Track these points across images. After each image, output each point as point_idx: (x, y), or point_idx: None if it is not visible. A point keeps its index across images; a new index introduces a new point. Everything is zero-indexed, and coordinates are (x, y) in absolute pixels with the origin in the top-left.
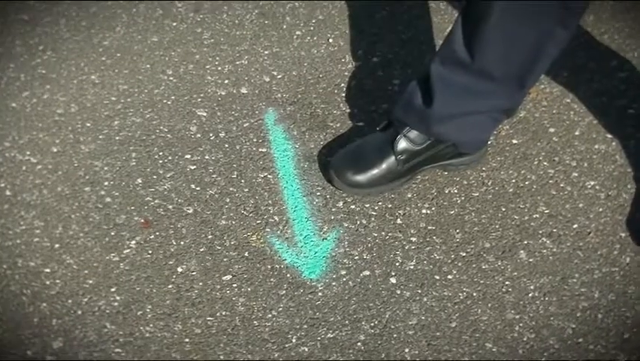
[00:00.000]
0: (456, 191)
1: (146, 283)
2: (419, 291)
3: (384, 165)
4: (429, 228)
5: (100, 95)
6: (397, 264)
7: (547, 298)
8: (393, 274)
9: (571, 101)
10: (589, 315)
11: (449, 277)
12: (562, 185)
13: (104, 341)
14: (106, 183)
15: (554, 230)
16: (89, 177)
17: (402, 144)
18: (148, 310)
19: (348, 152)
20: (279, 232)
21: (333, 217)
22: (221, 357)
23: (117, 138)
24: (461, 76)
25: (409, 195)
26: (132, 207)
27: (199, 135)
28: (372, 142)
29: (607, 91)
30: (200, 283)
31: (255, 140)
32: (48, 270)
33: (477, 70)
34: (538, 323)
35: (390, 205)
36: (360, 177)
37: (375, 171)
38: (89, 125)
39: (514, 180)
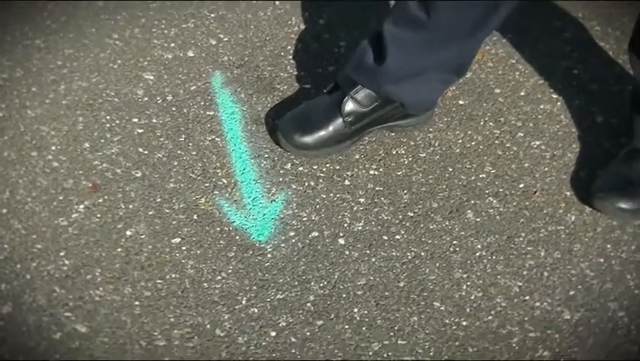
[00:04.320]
0: (403, 152)
1: (94, 247)
2: (367, 251)
3: (331, 127)
4: (377, 189)
5: (45, 59)
6: (346, 225)
7: (494, 257)
8: (341, 235)
9: (516, 62)
10: (535, 273)
11: (397, 237)
12: (508, 145)
13: (53, 306)
14: (53, 148)
15: (501, 190)
16: (35, 141)
17: (349, 105)
18: (97, 273)
19: (295, 114)
20: (227, 194)
21: (281, 179)
22: (171, 320)
23: (64, 102)
24: (415, 33)
25: (357, 157)
26: (80, 172)
27: (146, 99)
28: (320, 104)
29: (552, 52)
30: (149, 247)
31: (202, 103)
32: None
33: (431, 27)
34: (486, 281)
35: (338, 167)
36: (308, 139)
37: (322, 133)
38: (34, 89)
39: (460, 141)
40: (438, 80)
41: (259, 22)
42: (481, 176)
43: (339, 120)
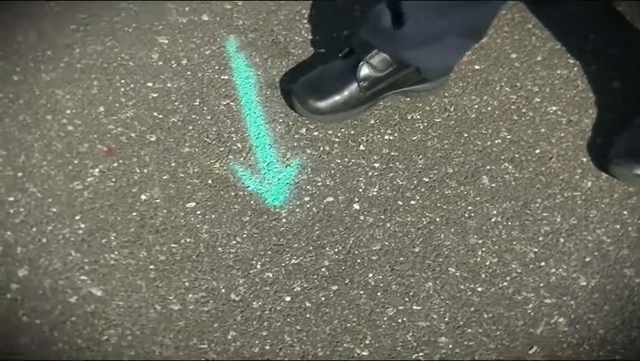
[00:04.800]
0: (418, 117)
1: (109, 210)
2: (382, 217)
3: (346, 92)
4: (392, 154)
5: (59, 23)
6: (360, 190)
7: (509, 223)
8: (356, 200)
9: (532, 27)
10: (550, 239)
11: (412, 202)
12: (524, 110)
13: (69, 269)
14: (68, 112)
15: (516, 155)
16: (50, 105)
17: (364, 70)
18: (112, 237)
19: (310, 79)
20: (242, 159)
21: (295, 144)
22: (186, 284)
23: (78, 65)
24: None
25: (372, 122)
26: (95, 136)
27: (160, 63)
28: (335, 69)
29: (568, 17)
30: (164, 211)
31: (216, 67)
32: (12, 198)
33: None
34: (501, 247)
35: (353, 132)
36: (322, 104)
37: (337, 98)
38: (49, 53)
39: (476, 106)
40: (456, 45)
41: None
42: (496, 141)
43: (354, 85)
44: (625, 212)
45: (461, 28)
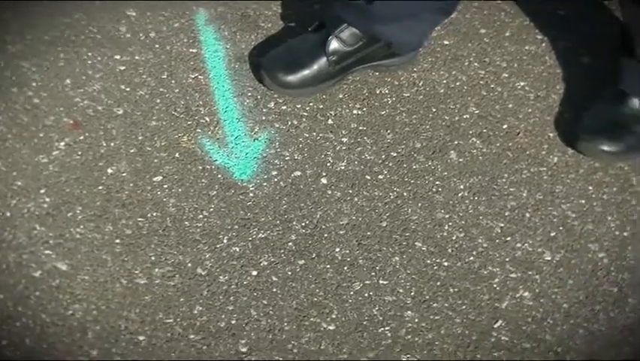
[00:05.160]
0: (387, 92)
1: (75, 184)
2: (350, 191)
3: (315, 66)
4: (360, 128)
5: None
6: (328, 164)
7: (476, 198)
8: (324, 174)
9: (501, 2)
10: (517, 214)
11: (380, 177)
12: (492, 86)
13: (33, 243)
14: (34, 84)
15: (484, 130)
16: (15, 77)
17: (333, 44)
18: (78, 211)
19: (279, 52)
20: (210, 132)
21: (264, 118)
22: (152, 258)
23: (45, 37)
24: None
25: (341, 96)
26: (61, 109)
27: (128, 35)
28: (304, 43)
29: None
30: (131, 185)
31: (185, 40)
32: None
33: None
34: (468, 222)
35: (321, 106)
36: (291, 78)
37: (306, 72)
38: (14, 25)
39: (444, 81)
40: (427, 19)
41: None
42: (464, 116)
43: (323, 59)
44: (590, 187)
45: (433, 4)
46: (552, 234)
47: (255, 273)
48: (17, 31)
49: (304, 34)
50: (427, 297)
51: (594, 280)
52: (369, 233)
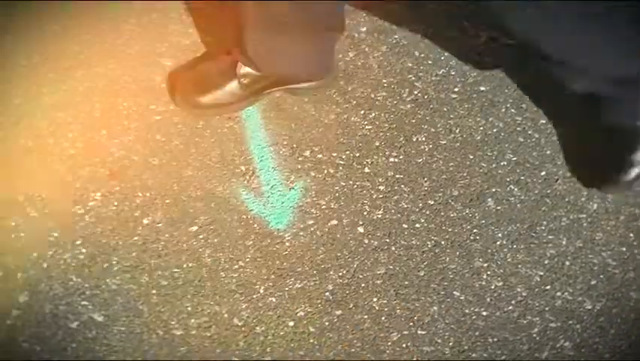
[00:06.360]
0: (424, 139)
1: (111, 235)
2: (387, 240)
3: (227, 88)
4: (396, 176)
5: (62, 45)
6: (365, 213)
7: (514, 246)
8: (360, 223)
9: None
10: (556, 262)
11: (417, 225)
12: (529, 132)
13: (70, 294)
14: (70, 135)
15: (522, 177)
16: (52, 128)
17: (245, 68)
18: (114, 262)
19: (193, 74)
20: (245, 182)
21: (299, 167)
22: (189, 308)
23: (80, 88)
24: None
25: (377, 144)
26: (97, 159)
27: (163, 85)
28: (218, 65)
29: None
30: (166, 235)
31: None
32: (13, 223)
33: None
34: (506, 270)
35: (357, 154)
36: (204, 99)
37: (218, 94)
38: (51, 76)
39: (481, 128)
40: (319, 44)
41: None
42: (502, 163)
43: (235, 82)
44: (631, 234)
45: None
46: (592, 282)
47: (291, 324)
48: (53, 82)
49: (222, 56)
50: (466, 347)
51: (636, 330)
52: (406, 282)
